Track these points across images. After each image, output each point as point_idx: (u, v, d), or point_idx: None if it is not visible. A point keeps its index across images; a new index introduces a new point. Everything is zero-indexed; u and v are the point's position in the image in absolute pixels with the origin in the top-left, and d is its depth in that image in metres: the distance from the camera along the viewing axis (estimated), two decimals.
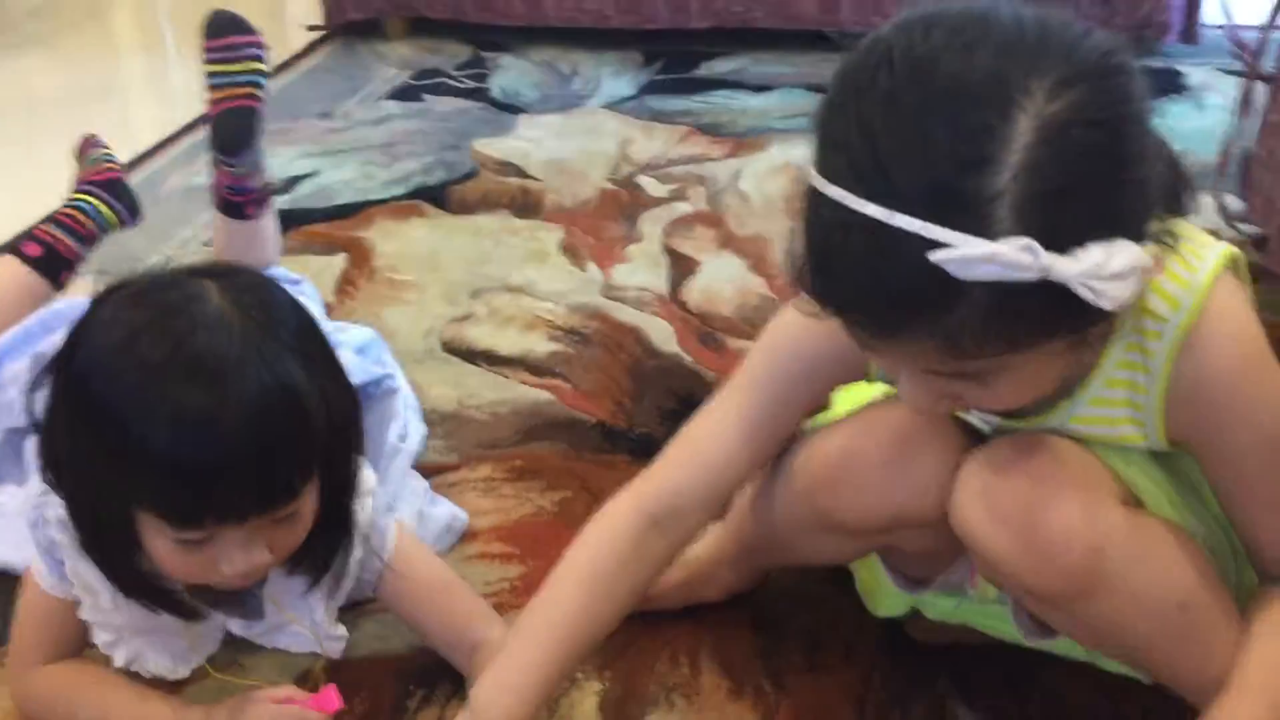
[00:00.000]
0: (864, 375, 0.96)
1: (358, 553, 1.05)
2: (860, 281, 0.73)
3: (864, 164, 0.71)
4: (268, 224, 1.55)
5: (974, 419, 0.93)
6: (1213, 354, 0.82)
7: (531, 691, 0.89)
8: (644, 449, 1.37)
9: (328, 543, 1.00)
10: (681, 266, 1.78)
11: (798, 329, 0.92)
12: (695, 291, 1.71)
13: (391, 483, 1.23)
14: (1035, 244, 0.68)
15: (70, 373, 0.89)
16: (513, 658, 0.90)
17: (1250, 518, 0.88)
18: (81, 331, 0.90)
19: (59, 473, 0.93)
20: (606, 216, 1.93)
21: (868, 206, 0.70)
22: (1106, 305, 0.71)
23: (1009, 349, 0.74)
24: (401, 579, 1.05)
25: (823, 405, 1.01)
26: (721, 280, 1.74)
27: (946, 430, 0.92)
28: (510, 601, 1.17)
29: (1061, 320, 0.73)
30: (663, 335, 1.61)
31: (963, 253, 0.68)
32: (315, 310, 1.46)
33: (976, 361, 0.75)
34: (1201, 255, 0.83)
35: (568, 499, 1.32)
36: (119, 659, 1.06)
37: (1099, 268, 0.70)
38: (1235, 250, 0.86)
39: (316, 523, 0.97)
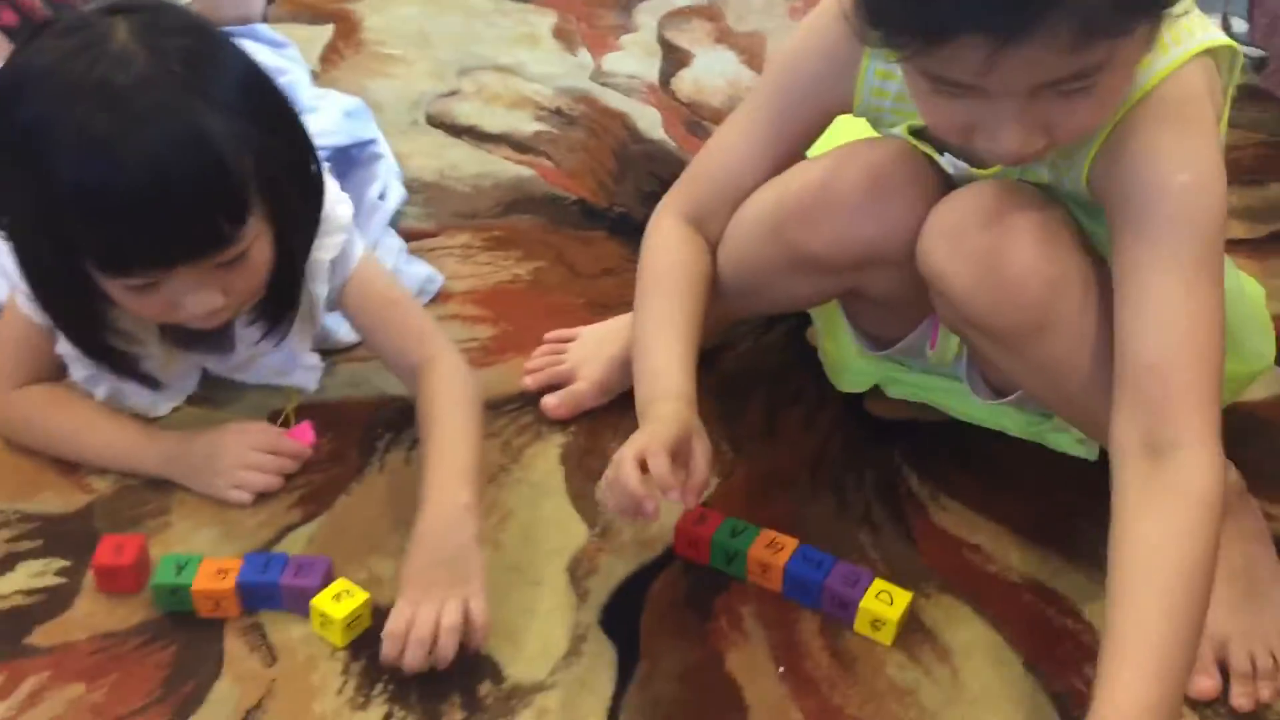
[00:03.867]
0: (850, 105, 0.97)
1: (322, 289, 1.06)
2: None
3: None
4: None
5: (945, 163, 0.95)
6: (1151, 112, 0.82)
7: (685, 382, 0.94)
8: (623, 227, 1.38)
9: (281, 291, 1.01)
10: (674, 58, 1.76)
11: (796, 52, 0.97)
12: (686, 82, 1.70)
13: (369, 237, 1.23)
14: None
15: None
16: (655, 362, 0.95)
17: (1132, 296, 0.83)
18: (8, 66, 0.91)
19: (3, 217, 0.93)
20: (601, 4, 1.89)
21: None
22: None
23: (1127, 28, 0.74)
24: (360, 290, 1.07)
25: (821, 128, 1.01)
26: (714, 73, 1.72)
27: (921, 173, 0.94)
28: (480, 360, 1.19)
29: None
30: (649, 121, 1.60)
31: None
32: (301, 74, 1.45)
33: (1097, 53, 0.74)
34: (1192, 34, 0.84)
35: (543, 269, 1.33)
36: (99, 394, 1.08)
37: None
38: (1229, 44, 0.85)
39: (274, 268, 0.98)
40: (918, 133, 0.95)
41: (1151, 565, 0.78)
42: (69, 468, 1.06)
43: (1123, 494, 0.81)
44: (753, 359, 1.22)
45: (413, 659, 0.87)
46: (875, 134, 1.00)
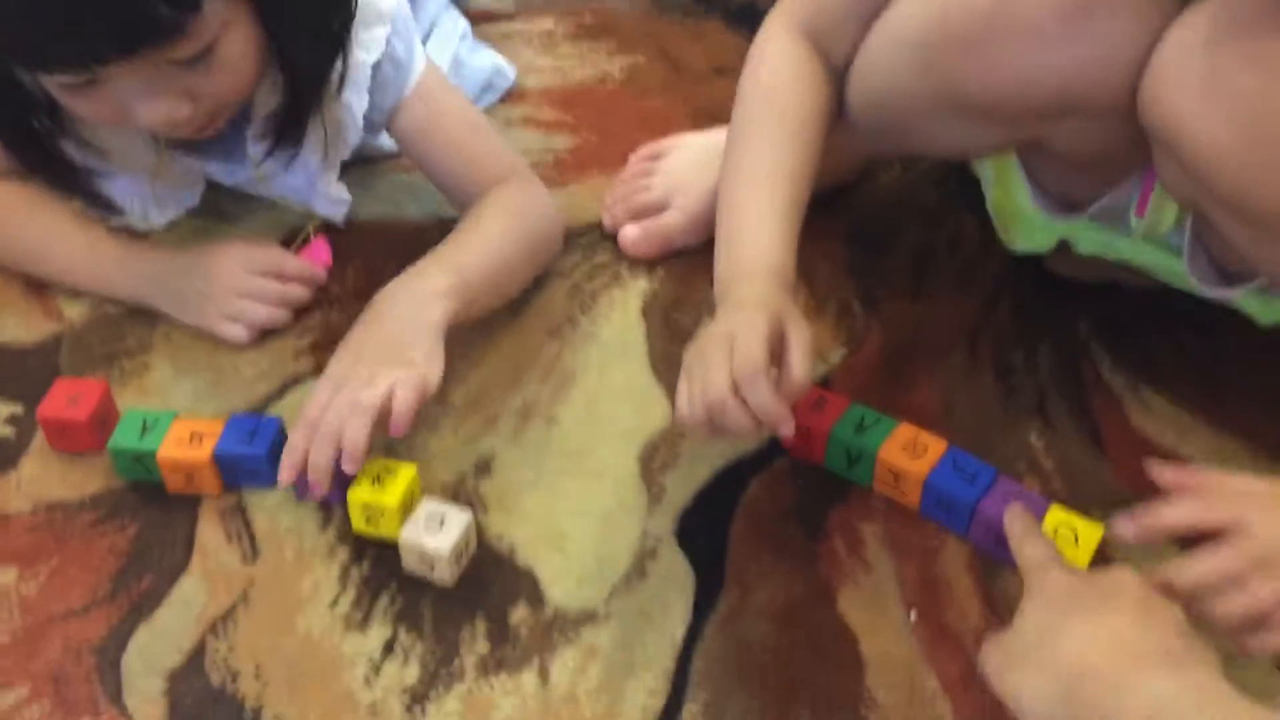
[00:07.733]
0: None
1: (359, 99, 0.83)
2: None
3: None
4: None
5: None
6: None
7: (779, 251, 0.73)
8: (744, 18, 1.13)
9: (293, 101, 0.80)
10: None
11: None
12: None
13: (427, 15, 0.99)
14: None
15: None
16: (743, 226, 0.76)
17: None
18: None
19: None
20: None
21: None
22: None
23: None
24: (422, 113, 0.86)
25: None
26: None
27: None
28: (553, 177, 0.96)
29: None
30: None
31: None
32: None
33: None
34: None
35: (639, 65, 1.08)
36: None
37: None
38: None
39: (286, 78, 0.79)
40: None
41: None
42: (39, 287, 0.88)
43: None
44: (898, 194, 0.96)
45: (318, 455, 0.70)
46: None
